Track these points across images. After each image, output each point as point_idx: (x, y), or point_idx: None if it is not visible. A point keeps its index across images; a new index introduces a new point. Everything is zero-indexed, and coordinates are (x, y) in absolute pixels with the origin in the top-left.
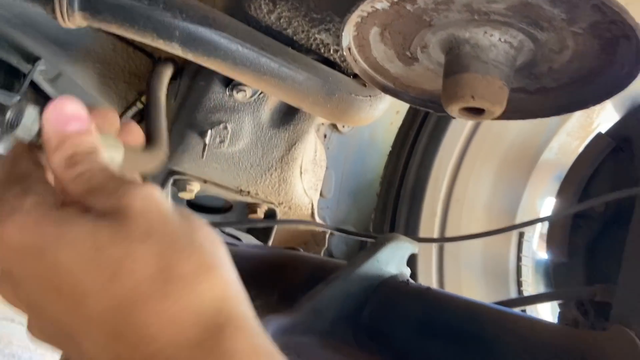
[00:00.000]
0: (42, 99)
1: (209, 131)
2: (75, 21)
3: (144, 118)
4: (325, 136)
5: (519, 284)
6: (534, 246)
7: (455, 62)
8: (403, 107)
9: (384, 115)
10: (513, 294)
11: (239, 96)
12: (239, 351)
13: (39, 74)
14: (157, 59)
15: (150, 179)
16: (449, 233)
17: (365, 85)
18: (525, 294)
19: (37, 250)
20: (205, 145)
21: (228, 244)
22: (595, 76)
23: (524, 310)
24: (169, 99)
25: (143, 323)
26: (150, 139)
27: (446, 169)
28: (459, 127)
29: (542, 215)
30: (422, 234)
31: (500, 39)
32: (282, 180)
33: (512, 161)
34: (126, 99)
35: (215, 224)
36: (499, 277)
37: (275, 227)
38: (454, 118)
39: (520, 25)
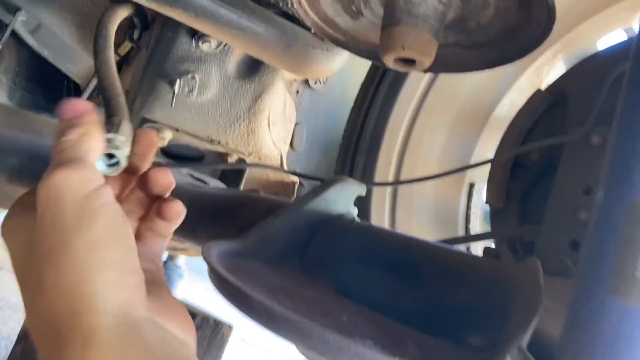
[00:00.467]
0: (23, 50)
1: (178, 80)
2: None
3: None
4: (297, 92)
5: (467, 230)
6: (483, 197)
7: (390, 15)
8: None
9: (357, 73)
10: None
11: (204, 47)
12: None
13: (20, 25)
14: None
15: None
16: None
17: (322, 39)
18: None
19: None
20: (174, 94)
21: (194, 185)
22: (517, 33)
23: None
24: (140, 49)
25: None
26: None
27: (402, 122)
28: (416, 82)
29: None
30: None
31: None
32: (251, 130)
33: (465, 116)
34: None
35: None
36: (448, 224)
37: (245, 177)
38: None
39: None
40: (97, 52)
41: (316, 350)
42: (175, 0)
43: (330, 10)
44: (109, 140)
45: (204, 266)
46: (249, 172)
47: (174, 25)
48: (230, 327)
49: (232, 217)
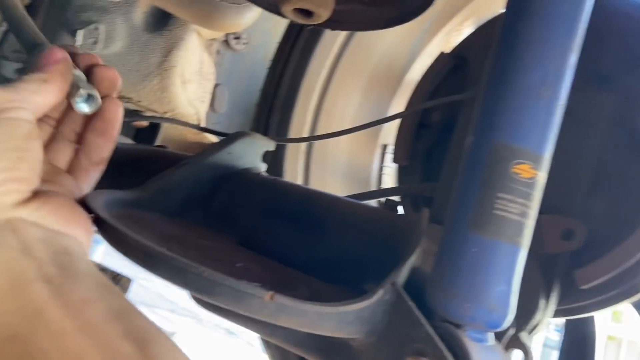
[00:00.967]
0: None
1: (80, 31)
2: None
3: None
4: (218, 52)
5: None
6: None
7: None
8: None
9: (278, 35)
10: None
11: None
12: None
13: None
14: None
15: None
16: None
17: None
18: None
19: None
20: (76, 45)
21: None
22: None
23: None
24: None
25: None
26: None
27: (317, 82)
28: (329, 43)
29: None
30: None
31: None
32: (163, 87)
33: (379, 79)
34: None
35: None
36: (361, 184)
37: (161, 137)
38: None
39: None
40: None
41: (194, 287)
42: None
43: None
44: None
45: None
46: (165, 132)
47: None
48: (129, 280)
49: (135, 171)
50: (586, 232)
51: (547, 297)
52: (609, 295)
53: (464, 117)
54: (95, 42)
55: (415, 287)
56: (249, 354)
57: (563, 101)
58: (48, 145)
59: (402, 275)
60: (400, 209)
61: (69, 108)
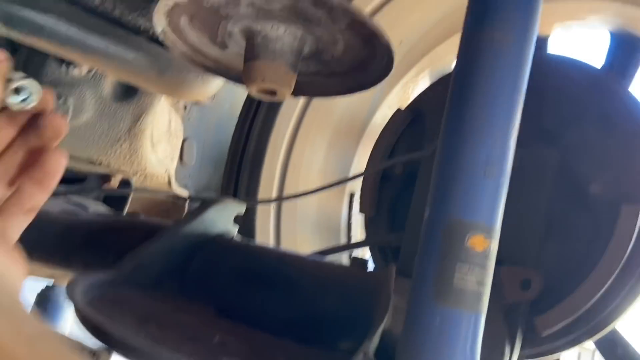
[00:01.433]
0: None
1: None
2: None
3: None
4: (185, 107)
5: (349, 237)
6: None
7: (250, 50)
8: None
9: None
10: None
11: (74, 72)
12: None
13: None
14: None
15: None
16: (287, 195)
17: None
18: None
19: None
20: None
21: (67, 212)
22: (367, 64)
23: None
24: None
25: None
26: None
27: (283, 138)
28: (294, 100)
29: None
30: (262, 196)
31: (285, 32)
32: (133, 150)
33: (343, 131)
34: None
35: (66, 193)
36: (332, 232)
37: (131, 196)
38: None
39: (298, 21)
40: None
41: None
42: (38, 30)
43: (197, 42)
44: (15, 79)
45: None
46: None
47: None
48: (108, 353)
49: (109, 244)
50: (542, 281)
51: (512, 345)
52: (569, 339)
53: (424, 172)
54: (64, 114)
55: (386, 350)
56: None
57: (507, 176)
58: None
59: (373, 344)
60: (371, 262)
61: (5, 150)
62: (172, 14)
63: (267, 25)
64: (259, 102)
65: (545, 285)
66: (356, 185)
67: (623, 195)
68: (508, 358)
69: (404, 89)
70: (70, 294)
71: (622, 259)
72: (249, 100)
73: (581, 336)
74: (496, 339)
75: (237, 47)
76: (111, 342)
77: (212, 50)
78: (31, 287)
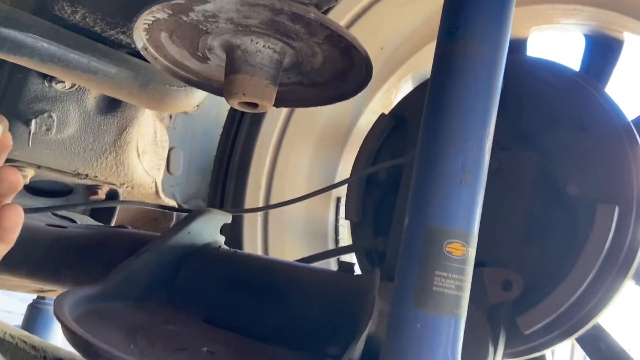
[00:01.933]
0: None
1: (33, 120)
2: None
3: None
4: (170, 117)
5: (337, 242)
6: None
7: (230, 64)
8: None
9: None
10: None
11: (58, 87)
12: None
13: None
14: None
15: None
16: (273, 203)
17: None
18: None
19: None
20: (30, 133)
21: (54, 227)
22: (346, 74)
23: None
24: None
25: None
26: None
27: (268, 146)
28: (278, 109)
29: None
30: (248, 205)
31: (264, 46)
32: (119, 162)
33: (327, 137)
34: None
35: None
36: (319, 237)
37: (118, 207)
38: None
39: (276, 35)
40: None
41: None
42: (19, 48)
43: (178, 55)
44: None
45: None
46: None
47: (24, 67)
48: None
49: (97, 256)
50: (522, 282)
51: (495, 344)
52: (551, 337)
53: (407, 177)
54: (48, 129)
55: (372, 354)
56: None
57: (483, 183)
58: None
59: (358, 349)
60: (357, 267)
61: None
62: (151, 30)
63: (247, 40)
64: (243, 112)
65: (526, 285)
66: (343, 190)
67: (599, 195)
68: (492, 357)
69: (387, 95)
70: (57, 311)
71: (600, 257)
72: (233, 109)
73: (563, 334)
74: (480, 338)
75: (217, 60)
76: (96, 356)
77: (193, 64)
78: (21, 298)
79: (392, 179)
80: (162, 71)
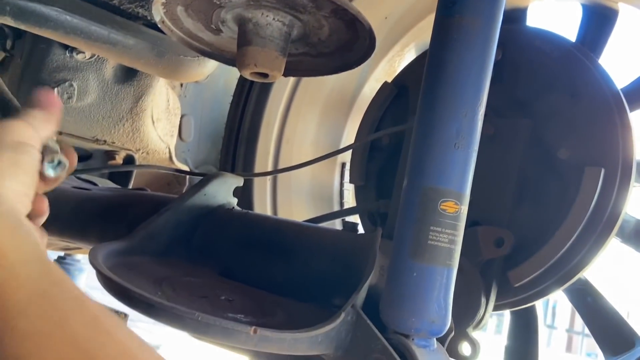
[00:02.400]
0: None
1: (55, 89)
2: None
3: None
4: (181, 85)
5: (342, 205)
6: None
7: (242, 36)
8: None
9: None
10: None
11: (78, 57)
12: None
13: None
14: None
15: None
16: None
17: None
18: None
19: None
20: None
21: (80, 188)
22: (351, 45)
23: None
24: (15, 58)
25: None
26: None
27: (276, 114)
28: (285, 78)
29: None
30: (258, 169)
31: (274, 19)
32: (135, 129)
33: (333, 104)
34: None
35: (75, 171)
36: (325, 201)
37: (135, 171)
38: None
39: (285, 9)
40: None
41: (191, 329)
42: (44, 21)
43: (193, 27)
44: (49, 148)
45: None
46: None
47: (47, 38)
48: (126, 315)
49: (121, 216)
50: (513, 239)
51: (487, 296)
52: (539, 289)
53: (408, 142)
54: (70, 98)
55: (373, 303)
56: None
57: (476, 148)
58: None
59: (360, 297)
60: (361, 227)
61: None
62: (168, 4)
63: (258, 13)
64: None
65: (517, 242)
66: (347, 156)
67: (587, 159)
68: (484, 308)
69: (391, 63)
70: (93, 261)
71: (586, 216)
72: (242, 78)
73: (550, 286)
74: (473, 291)
75: (230, 32)
76: (132, 302)
77: (207, 36)
78: None
79: (394, 145)
80: (178, 42)
